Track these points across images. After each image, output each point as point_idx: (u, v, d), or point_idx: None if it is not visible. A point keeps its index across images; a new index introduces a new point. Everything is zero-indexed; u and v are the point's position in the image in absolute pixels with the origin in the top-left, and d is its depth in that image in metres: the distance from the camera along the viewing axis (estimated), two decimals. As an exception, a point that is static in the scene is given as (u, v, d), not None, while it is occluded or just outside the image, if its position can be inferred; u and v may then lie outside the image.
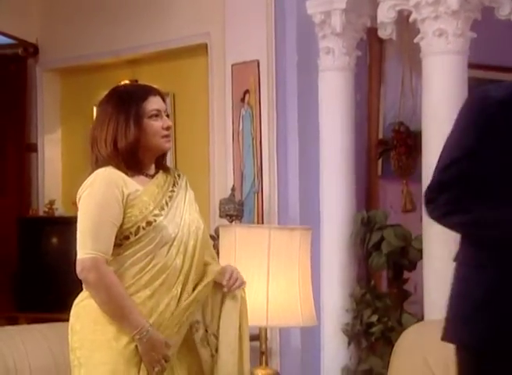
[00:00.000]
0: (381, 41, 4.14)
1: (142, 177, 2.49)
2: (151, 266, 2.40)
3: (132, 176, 2.46)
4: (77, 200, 2.47)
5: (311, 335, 3.94)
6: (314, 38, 4.06)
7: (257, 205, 4.18)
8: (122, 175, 2.43)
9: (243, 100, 4.21)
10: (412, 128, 4.17)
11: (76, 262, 2.41)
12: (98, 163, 2.46)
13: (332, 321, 3.90)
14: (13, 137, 5.35)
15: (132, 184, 2.44)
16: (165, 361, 2.39)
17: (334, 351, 3.89)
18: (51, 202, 5.12)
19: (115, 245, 2.40)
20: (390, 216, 4.00)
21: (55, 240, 4.87)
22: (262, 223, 4.11)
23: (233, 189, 4.17)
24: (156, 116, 2.47)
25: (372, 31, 4.03)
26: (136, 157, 2.46)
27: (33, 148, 5.41)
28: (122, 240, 2.41)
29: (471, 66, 3.66)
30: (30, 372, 2.87)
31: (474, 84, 3.96)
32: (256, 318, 3.37)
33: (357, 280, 3.98)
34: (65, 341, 2.99)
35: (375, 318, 3.81)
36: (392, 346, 3.27)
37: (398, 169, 4.24)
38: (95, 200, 2.40)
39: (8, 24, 5.15)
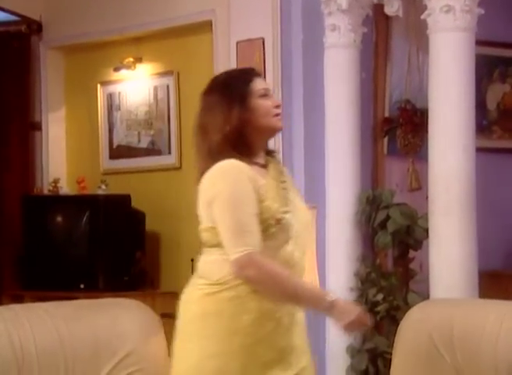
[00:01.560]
0: (387, 18, 4.10)
1: (257, 168, 2.35)
2: (275, 260, 2.31)
3: (253, 166, 2.32)
4: (206, 198, 2.32)
5: (315, 314, 3.94)
6: (320, 15, 4.02)
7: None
8: (247, 166, 2.30)
9: (248, 78, 4.18)
10: (418, 106, 4.14)
11: (231, 263, 2.27)
12: (212, 154, 2.32)
13: (337, 300, 3.89)
14: (17, 115, 5.33)
15: (258, 178, 2.31)
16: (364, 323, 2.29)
17: (339, 330, 3.89)
18: (56, 181, 5.11)
19: None
20: (396, 195, 3.98)
21: (59, 218, 4.87)
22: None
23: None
24: (265, 95, 2.39)
25: (378, 8, 4.00)
26: (247, 141, 2.33)
27: (37, 126, 5.39)
28: None
29: (479, 42, 3.62)
30: (36, 349, 2.87)
31: (481, 61, 3.93)
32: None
33: (363, 259, 3.97)
34: (70, 319, 2.99)
35: (380, 297, 3.80)
36: (398, 325, 3.26)
37: (404, 147, 4.21)
38: (232, 195, 2.27)
39: (12, 1, 5.11)
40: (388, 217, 3.86)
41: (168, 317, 4.20)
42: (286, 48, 4.11)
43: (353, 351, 3.88)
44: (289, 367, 2.35)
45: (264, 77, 4.13)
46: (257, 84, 2.38)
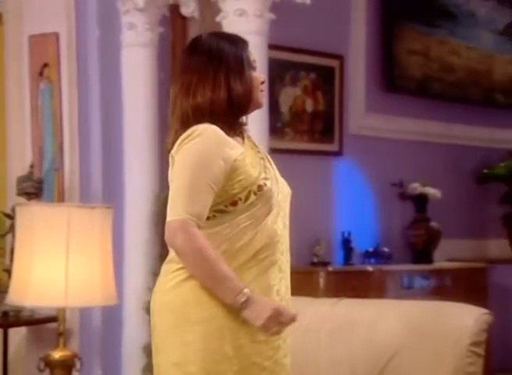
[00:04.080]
0: (184, 19, 4.14)
1: (237, 138, 2.19)
2: (254, 231, 2.13)
3: (232, 137, 2.15)
4: (173, 152, 2.12)
5: (112, 314, 3.91)
6: (117, 13, 3.99)
7: (58, 183, 4.06)
8: (225, 135, 2.11)
9: (41, 74, 4.06)
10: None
11: (166, 226, 2.06)
12: (187, 118, 2.11)
13: (134, 299, 3.88)
14: None
15: (236, 146, 2.13)
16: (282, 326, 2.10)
17: (135, 329, 3.87)
18: None
19: (219, 211, 2.11)
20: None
21: None
22: (63, 201, 4.00)
23: (32, 166, 4.02)
24: (255, 67, 2.23)
25: (175, 8, 4.03)
26: (233, 110, 2.15)
27: None
28: (229, 206, 2.12)
29: (272, 47, 3.76)
30: None
31: (274, 65, 4.08)
32: (54, 299, 3.29)
33: (161, 259, 3.97)
34: None
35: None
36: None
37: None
38: (195, 157, 2.07)
39: None
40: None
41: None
42: (82, 45, 4.03)
43: (149, 351, 3.87)
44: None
45: (59, 74, 4.04)
46: (250, 55, 2.23)
